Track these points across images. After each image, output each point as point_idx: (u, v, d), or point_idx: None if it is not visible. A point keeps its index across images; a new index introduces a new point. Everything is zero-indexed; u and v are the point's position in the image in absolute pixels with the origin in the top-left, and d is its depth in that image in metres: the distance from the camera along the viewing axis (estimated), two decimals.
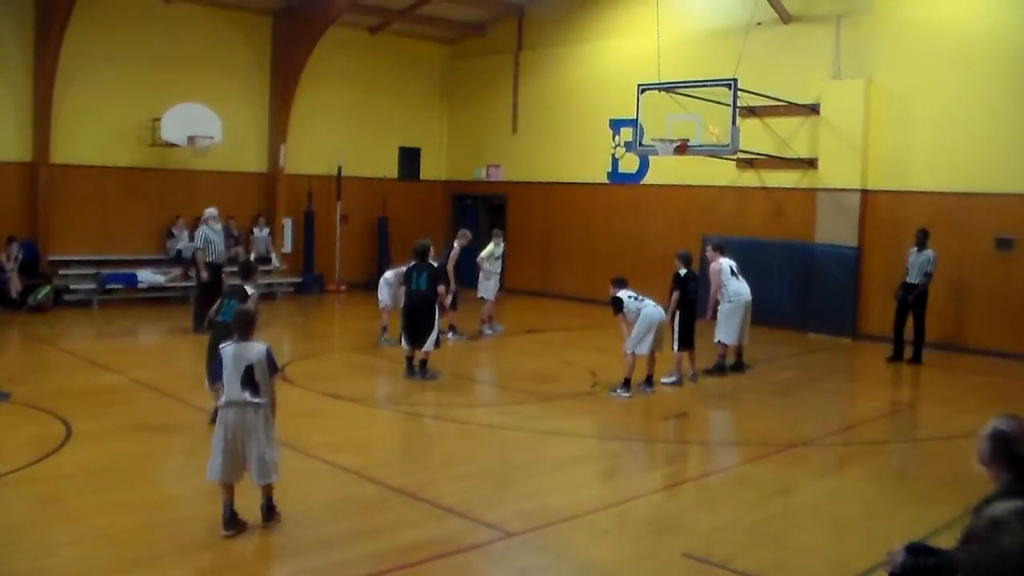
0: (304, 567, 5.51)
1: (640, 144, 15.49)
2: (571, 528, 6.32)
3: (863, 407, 11.13)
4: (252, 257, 16.52)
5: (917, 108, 14.66)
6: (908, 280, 13.23)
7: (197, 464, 6.16)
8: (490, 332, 14.63)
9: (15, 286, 15.52)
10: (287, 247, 19.70)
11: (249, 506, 5.99)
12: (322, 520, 6.25)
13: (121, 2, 17.01)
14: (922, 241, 13.17)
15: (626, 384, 10.44)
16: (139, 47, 17.14)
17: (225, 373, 5.91)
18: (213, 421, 6.53)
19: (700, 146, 14.62)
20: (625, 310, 10.51)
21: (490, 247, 14.70)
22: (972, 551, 2.39)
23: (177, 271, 17.21)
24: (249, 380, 5.87)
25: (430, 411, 9.98)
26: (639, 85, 15.10)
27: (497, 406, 10.60)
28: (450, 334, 13.66)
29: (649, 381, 10.73)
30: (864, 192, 15.28)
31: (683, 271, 11.23)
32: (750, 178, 16.83)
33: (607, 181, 19.22)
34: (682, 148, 14.32)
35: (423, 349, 10.99)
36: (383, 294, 13.44)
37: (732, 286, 11.87)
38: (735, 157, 15.57)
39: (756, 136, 16.00)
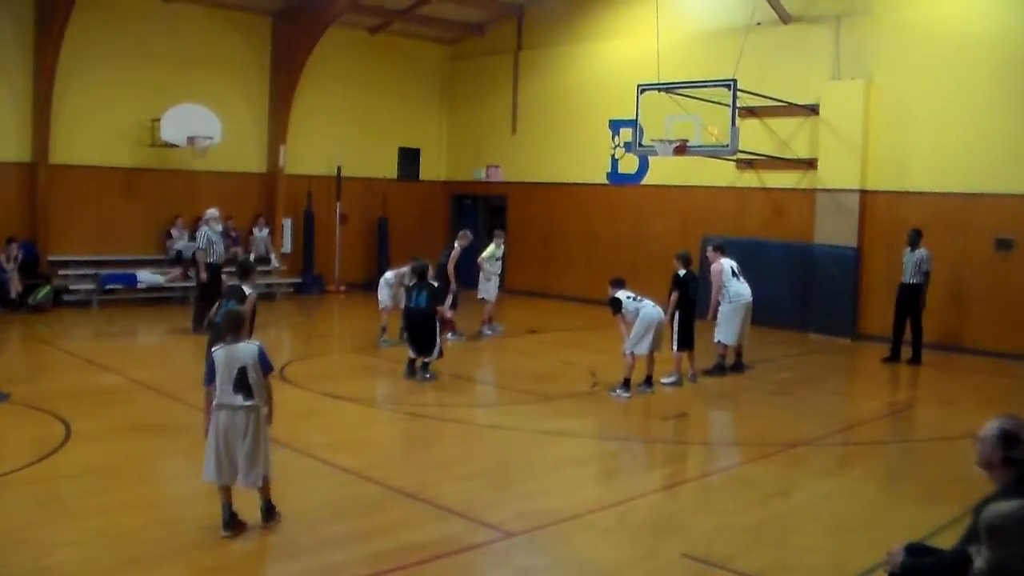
0: (304, 567, 5.50)
1: (640, 144, 15.49)
2: (571, 528, 6.31)
3: (863, 407, 11.13)
4: (252, 257, 16.52)
5: (917, 108, 14.66)
6: (904, 281, 13.23)
7: (196, 464, 6.15)
8: (490, 332, 14.63)
9: (15, 286, 15.52)
10: (287, 247, 19.70)
11: (249, 506, 5.99)
12: (322, 520, 6.25)
13: (121, 2, 17.00)
14: (914, 241, 13.17)
15: (626, 384, 10.44)
16: (139, 47, 17.13)
17: (218, 376, 5.90)
18: None
19: (700, 146, 14.63)
20: (624, 310, 10.52)
21: (491, 248, 14.69)
22: (1007, 554, 2.35)
23: (176, 271, 17.21)
24: (242, 383, 5.87)
25: (430, 411, 9.97)
26: (639, 85, 15.11)
27: (497, 406, 10.60)
28: (450, 334, 13.66)
29: (649, 381, 10.73)
30: (864, 192, 15.28)
31: (682, 272, 11.23)
32: (750, 178, 16.83)
33: (607, 181, 19.22)
34: (682, 148, 14.33)
35: (426, 360, 11.11)
36: (383, 294, 13.43)
37: (733, 287, 11.87)
38: (735, 157, 15.57)
39: (756, 136, 16.01)
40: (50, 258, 16.57)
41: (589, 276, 18.42)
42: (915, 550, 4.12)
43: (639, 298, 10.62)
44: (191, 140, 16.81)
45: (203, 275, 13.70)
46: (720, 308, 11.89)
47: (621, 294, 10.64)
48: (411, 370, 11.12)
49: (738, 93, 13.90)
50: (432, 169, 22.35)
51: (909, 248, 13.21)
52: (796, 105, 15.61)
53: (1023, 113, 13.65)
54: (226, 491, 5.88)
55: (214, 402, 5.93)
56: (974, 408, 10.22)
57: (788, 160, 15.91)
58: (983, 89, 13.96)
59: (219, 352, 5.96)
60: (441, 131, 22.46)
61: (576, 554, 5.97)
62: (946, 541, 4.25)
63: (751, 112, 15.99)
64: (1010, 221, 13.83)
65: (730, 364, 12.06)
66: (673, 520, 6.71)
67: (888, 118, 14.99)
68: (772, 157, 15.91)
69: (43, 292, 15.83)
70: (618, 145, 18.83)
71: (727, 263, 12.00)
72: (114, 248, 17.21)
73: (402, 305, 11.92)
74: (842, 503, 7.31)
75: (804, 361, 13.64)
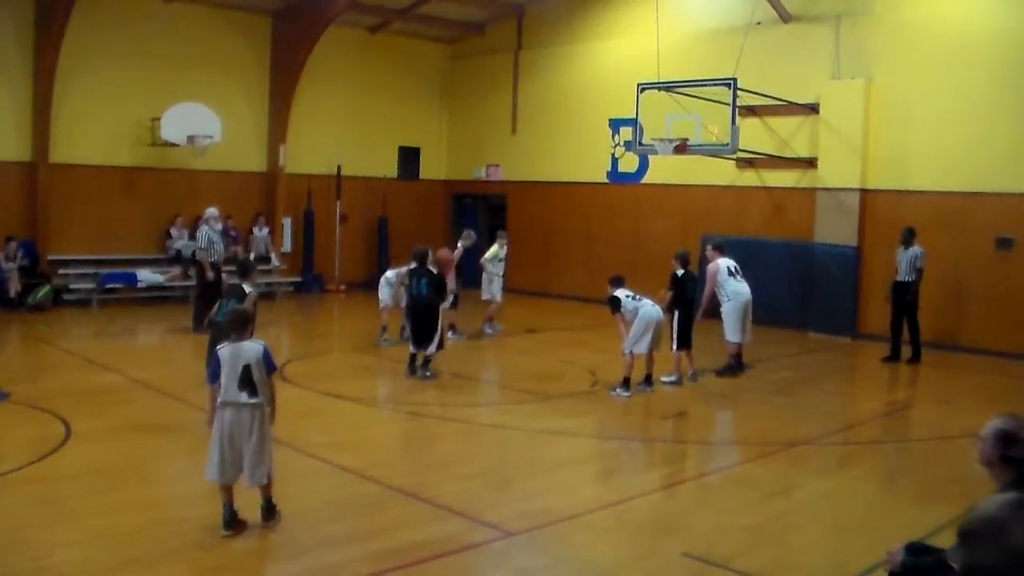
0: (304, 566, 5.50)
1: (640, 143, 15.49)
2: (571, 528, 6.32)
3: (863, 407, 11.13)
4: (252, 257, 16.53)
5: (917, 108, 14.65)
6: (898, 279, 13.24)
7: (197, 464, 6.16)
8: (490, 332, 14.63)
9: (14, 285, 15.51)
10: (287, 247, 19.71)
11: (249, 506, 5.99)
12: (322, 520, 6.25)
13: (121, 2, 17.00)
14: (908, 239, 13.18)
15: (625, 383, 10.44)
16: (139, 47, 17.13)
17: (223, 374, 5.91)
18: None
19: (700, 145, 14.63)
20: (623, 309, 10.53)
21: (494, 248, 14.68)
22: (976, 552, 2.35)
23: (176, 270, 17.21)
24: (247, 380, 5.88)
25: (430, 411, 9.97)
26: (639, 85, 15.10)
27: (497, 406, 10.60)
28: (450, 334, 13.66)
29: (648, 380, 10.74)
30: (864, 192, 15.28)
31: (680, 271, 11.24)
32: (750, 178, 16.83)
33: (607, 181, 19.22)
34: (682, 147, 14.33)
35: (427, 352, 11.07)
36: (383, 293, 13.44)
37: (730, 286, 11.86)
38: (735, 157, 15.56)
39: (756, 136, 16.00)
40: (50, 257, 16.58)
41: (589, 275, 18.41)
42: (915, 549, 4.12)
43: (638, 297, 10.63)
44: (191, 139, 16.81)
45: (209, 274, 13.72)
46: (722, 307, 11.89)
47: (620, 293, 10.65)
48: (412, 367, 11.13)
49: (738, 92, 13.89)
50: (432, 168, 22.35)
51: (903, 246, 13.22)
52: (796, 104, 15.61)
53: (1023, 113, 13.65)
54: (227, 490, 5.89)
55: (219, 400, 5.94)
56: (974, 407, 10.21)
57: (788, 159, 15.91)
58: (983, 89, 13.96)
59: (224, 349, 5.97)
60: (441, 130, 22.46)
61: (576, 553, 5.97)
62: (946, 540, 4.24)
63: (751, 111, 15.98)
64: (1010, 220, 13.83)
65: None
66: (673, 519, 6.71)
67: (888, 117, 14.99)
68: (772, 156, 15.91)
69: (43, 291, 15.84)
70: (618, 144, 18.83)
71: (724, 263, 11.99)
72: (114, 247, 17.21)
73: (403, 304, 11.92)
74: (842, 502, 7.31)
75: (804, 360, 13.64)
